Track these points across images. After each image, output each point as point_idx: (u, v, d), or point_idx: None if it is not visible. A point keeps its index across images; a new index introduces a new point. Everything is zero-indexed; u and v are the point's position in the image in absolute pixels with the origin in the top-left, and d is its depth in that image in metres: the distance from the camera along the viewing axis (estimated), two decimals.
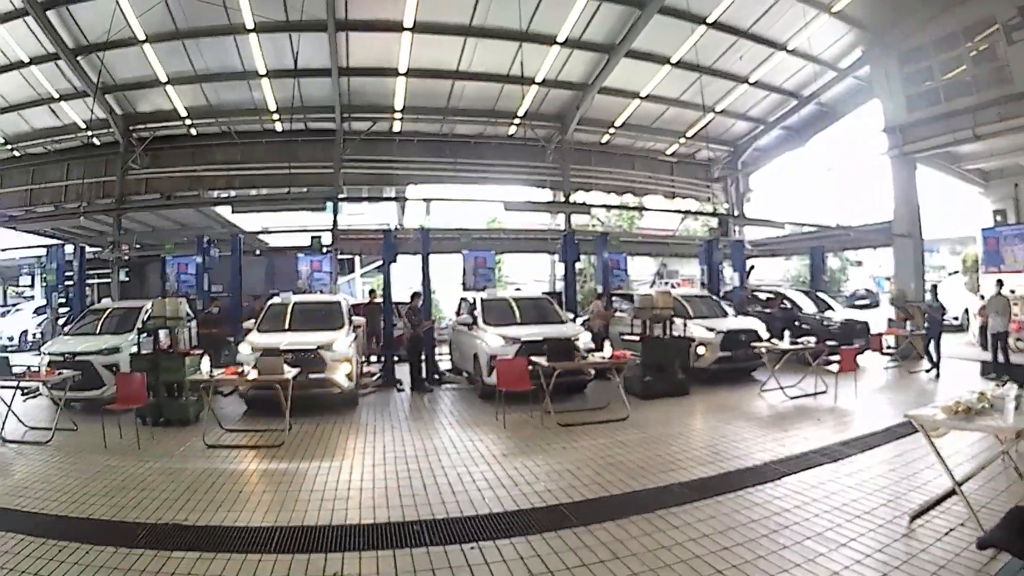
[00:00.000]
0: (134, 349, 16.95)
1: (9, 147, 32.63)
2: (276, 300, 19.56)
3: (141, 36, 25.20)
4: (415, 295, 21.08)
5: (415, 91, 28.69)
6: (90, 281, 27.06)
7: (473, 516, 8.95)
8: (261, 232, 30.92)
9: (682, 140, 34.94)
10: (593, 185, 34.07)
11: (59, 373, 15.14)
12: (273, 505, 9.73)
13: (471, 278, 23.76)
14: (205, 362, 14.47)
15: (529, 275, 44.91)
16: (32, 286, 52.03)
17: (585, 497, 9.46)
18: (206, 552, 7.90)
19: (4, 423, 14.58)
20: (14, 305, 47.27)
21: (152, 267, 32.61)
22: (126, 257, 31.69)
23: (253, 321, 18.76)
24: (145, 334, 16.87)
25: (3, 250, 39.04)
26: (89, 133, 30.90)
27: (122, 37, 24.72)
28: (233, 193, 32.11)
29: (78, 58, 25.85)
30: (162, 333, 16.62)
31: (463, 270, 23.94)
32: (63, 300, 24.24)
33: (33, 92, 28.85)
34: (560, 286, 27.37)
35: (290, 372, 13.82)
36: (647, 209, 39.93)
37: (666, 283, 43.30)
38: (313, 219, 38.94)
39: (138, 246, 31.79)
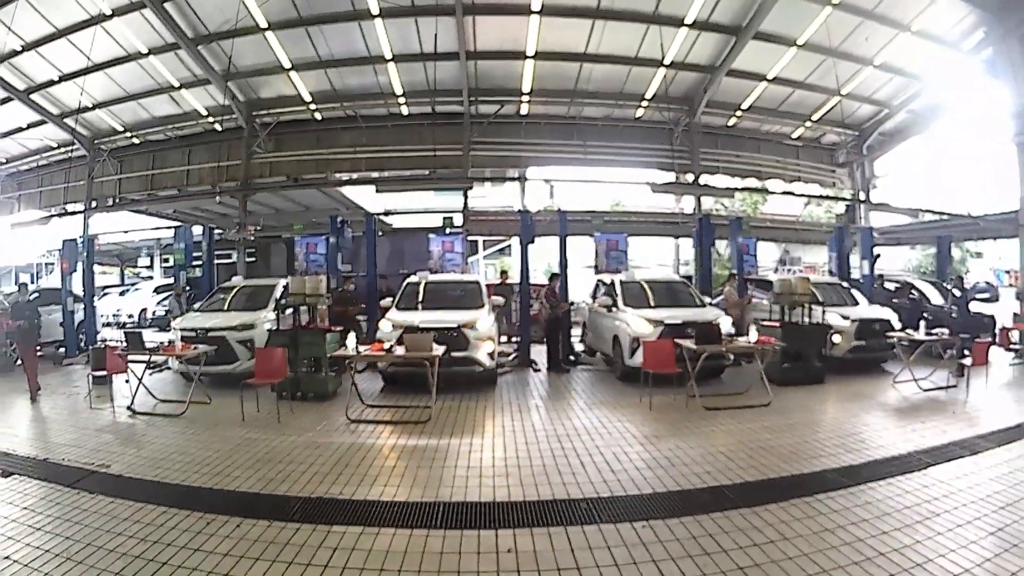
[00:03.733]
0: (268, 325, 17.60)
1: (129, 134, 33.74)
2: (413, 279, 19.67)
3: (263, 24, 25.55)
4: (553, 276, 21.18)
5: (543, 74, 28.72)
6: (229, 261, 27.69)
7: (637, 495, 8.91)
8: (385, 213, 31.27)
9: (807, 124, 34.10)
10: (719, 168, 33.59)
11: (194, 348, 15.42)
12: (431, 481, 9.64)
13: (603, 260, 23.39)
14: (351, 338, 14.33)
15: (651, 258, 44.76)
16: (151, 266, 53.36)
17: (744, 480, 9.43)
18: (369, 527, 7.92)
19: (135, 395, 15.04)
20: (132, 284, 48.05)
21: (276, 247, 33.28)
22: (251, 238, 32.07)
23: (390, 300, 18.89)
24: (280, 310, 17.17)
25: (124, 232, 40.07)
26: (211, 120, 31.81)
27: (244, 26, 25.22)
28: (355, 176, 32.25)
29: (199, 47, 26.47)
30: (300, 309, 16.76)
31: (595, 252, 23.49)
32: (190, 278, 24.55)
33: (152, 81, 29.61)
34: (684, 270, 27.32)
35: (438, 349, 13.82)
36: (784, 193, 37.93)
37: (789, 270, 42.93)
38: (436, 201, 39.42)
39: (259, 227, 32.32)
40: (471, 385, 16.65)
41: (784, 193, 38.22)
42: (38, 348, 17.87)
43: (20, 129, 34.62)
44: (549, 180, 32.40)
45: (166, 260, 49.86)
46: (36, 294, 25.63)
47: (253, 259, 34.09)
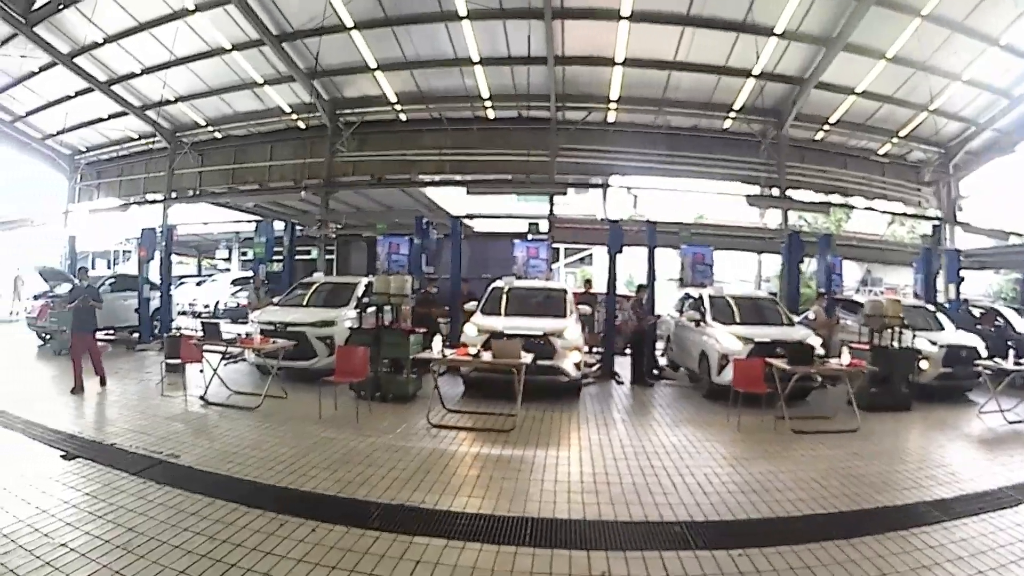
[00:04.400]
0: (348, 324, 17.36)
1: (211, 128, 33.88)
2: (498, 284, 19.21)
3: (349, 23, 25.29)
4: (640, 288, 20.53)
5: (631, 81, 28.04)
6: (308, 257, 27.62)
7: (732, 521, 8.44)
8: (467, 217, 30.89)
9: (894, 140, 32.81)
10: (804, 183, 32.55)
11: (273, 342, 15.36)
12: (517, 494, 9.14)
13: (689, 273, 22.70)
14: (438, 341, 13.85)
15: (732, 273, 44.03)
16: (229, 259, 53.89)
17: (838, 509, 8.93)
18: (453, 540, 7.44)
19: (208, 386, 14.92)
20: (209, 275, 48.71)
21: (356, 246, 33.47)
22: (333, 235, 32.03)
23: (475, 303, 18.61)
24: (362, 309, 16.97)
25: (204, 223, 40.35)
26: (294, 117, 31.64)
27: (329, 24, 24.97)
28: (438, 178, 32.05)
29: (283, 45, 26.34)
30: (383, 309, 16.31)
31: (680, 265, 22.83)
32: (269, 272, 24.36)
33: (236, 77, 29.61)
34: (765, 287, 26.64)
35: (526, 357, 13.34)
36: (872, 210, 36.99)
37: (870, 291, 42.04)
38: (517, 206, 38.99)
39: (340, 225, 31.97)
40: (555, 395, 15.96)
41: (872, 210, 37.06)
42: (97, 337, 17.22)
43: (100, 119, 34.99)
44: (631, 189, 31.43)
45: (244, 253, 50.39)
46: (112, 279, 26.13)
47: (333, 256, 34.02)
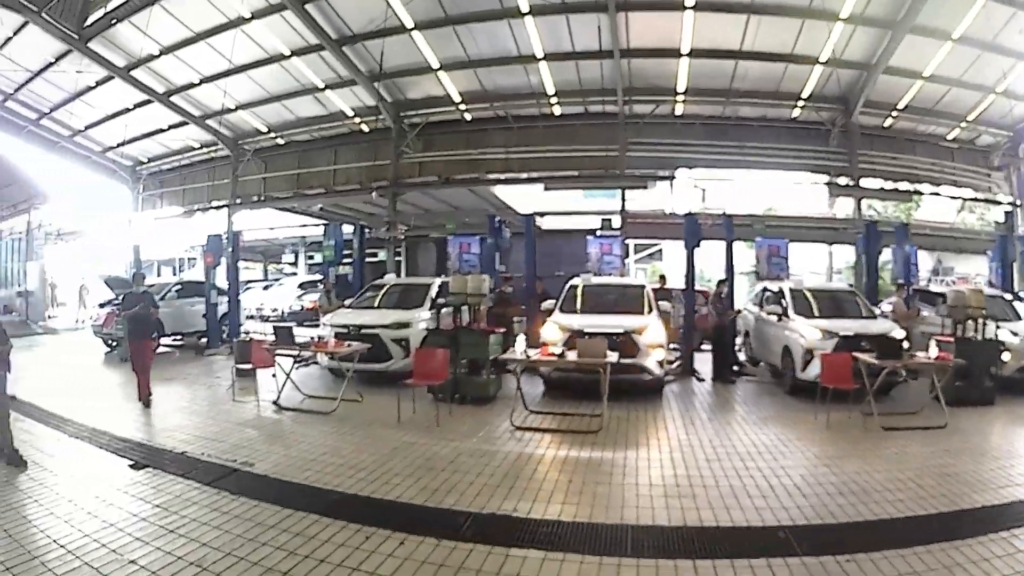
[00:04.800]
0: (423, 325, 17.05)
1: (273, 135, 33.62)
2: (575, 281, 18.75)
3: (409, 24, 24.77)
4: (720, 282, 20.11)
5: (697, 72, 27.05)
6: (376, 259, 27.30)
7: (834, 524, 7.91)
8: (537, 215, 30.25)
9: (962, 124, 31.33)
10: (875, 172, 31.08)
11: (348, 345, 14.97)
12: (612, 499, 8.59)
13: (764, 266, 22.21)
14: (520, 340, 13.38)
15: (801, 266, 43.09)
16: (295, 263, 53.59)
17: (938, 510, 8.38)
18: (552, 552, 6.93)
19: (281, 390, 14.42)
20: (276, 280, 48.71)
21: (424, 247, 33.84)
22: (401, 237, 31.93)
23: (552, 302, 18.17)
24: (437, 310, 16.59)
25: (270, 228, 40.33)
26: (357, 120, 31.27)
27: (390, 26, 24.57)
28: (504, 176, 31.34)
29: (343, 48, 25.90)
30: (461, 309, 15.74)
31: (756, 258, 22.47)
32: (338, 275, 24.47)
33: (296, 83, 29.22)
34: (836, 278, 25.80)
35: (612, 355, 12.83)
36: (945, 196, 36.18)
37: (942, 280, 41.05)
38: (583, 203, 38.53)
39: (409, 227, 32.01)
40: (637, 394, 15.32)
41: (939, 196, 36.08)
42: (152, 346, 16.54)
43: (161, 130, 34.96)
44: (698, 182, 30.81)
45: (310, 257, 50.44)
46: (179, 285, 26.05)
47: (400, 258, 33.55)
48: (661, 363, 15.77)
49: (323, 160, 33.47)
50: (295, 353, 15.12)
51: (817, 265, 41.28)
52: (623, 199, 30.92)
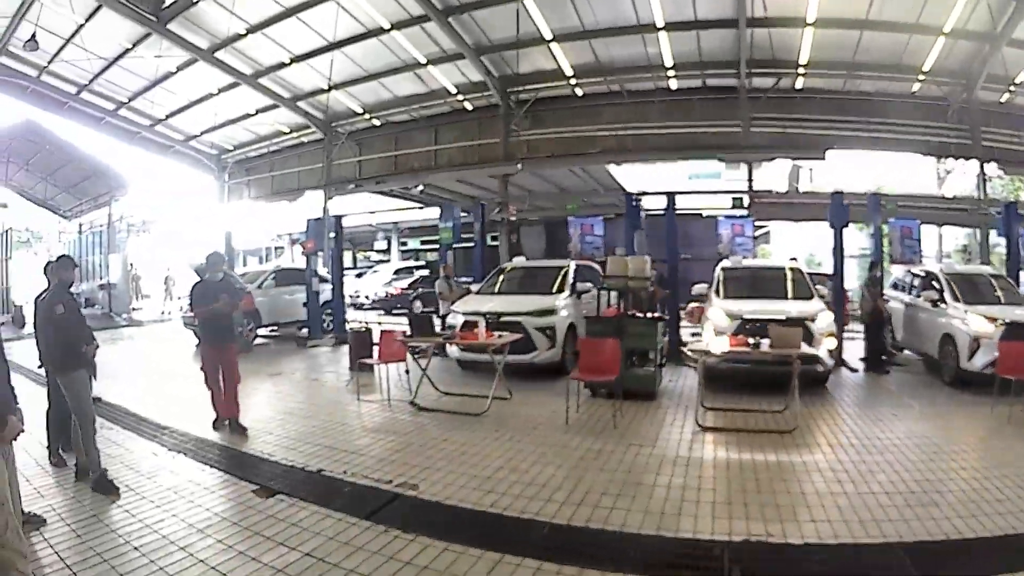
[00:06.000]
0: (565, 312, 15.35)
1: (368, 116, 31.58)
2: (727, 263, 16.96)
3: None
4: (873, 265, 18.15)
5: (820, 43, 24.10)
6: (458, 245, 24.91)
7: None
8: (642, 194, 27.69)
9: None
10: (998, 149, 27.76)
11: (499, 336, 12.78)
12: (861, 512, 6.91)
13: (897, 249, 20.40)
14: (709, 329, 12.27)
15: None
16: (387, 250, 52.29)
17: None
18: None
19: (418, 388, 12.45)
20: (369, 267, 47.48)
21: (532, 229, 31.99)
22: (513, 218, 29.49)
23: (702, 286, 16.23)
24: (575, 295, 15.79)
25: (371, 212, 38.79)
26: (460, 98, 29.25)
27: None
28: (629, 153, 28.90)
29: (449, 19, 23.47)
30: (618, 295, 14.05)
31: (888, 240, 20.60)
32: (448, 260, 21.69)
33: (396, 59, 26.92)
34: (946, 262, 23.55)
35: (805, 346, 11.41)
36: None
37: None
38: (689, 183, 36.59)
39: (523, 208, 30.54)
40: (802, 387, 12.39)
41: None
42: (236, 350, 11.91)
43: (248, 115, 33.04)
44: (800, 160, 28.71)
45: (403, 243, 50.15)
46: (274, 273, 24.34)
47: (514, 241, 31.28)
48: (831, 352, 14.40)
49: (422, 140, 31.47)
50: (432, 345, 13.65)
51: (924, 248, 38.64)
52: (750, 178, 28.89)
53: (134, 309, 36.30)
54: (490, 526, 6.58)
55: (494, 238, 31.05)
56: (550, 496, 7.30)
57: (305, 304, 22.55)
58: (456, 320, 15.27)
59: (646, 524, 6.58)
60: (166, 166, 39.36)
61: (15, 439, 5.18)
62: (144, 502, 7.17)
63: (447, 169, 30.83)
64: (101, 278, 36.61)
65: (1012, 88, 26.21)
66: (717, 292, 15.61)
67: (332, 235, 22.79)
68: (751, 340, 11.36)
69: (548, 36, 24.28)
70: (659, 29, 23.39)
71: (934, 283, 16.59)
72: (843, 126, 26.82)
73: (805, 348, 12.37)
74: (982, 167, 27.43)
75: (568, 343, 14.93)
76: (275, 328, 23.87)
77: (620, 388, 11.72)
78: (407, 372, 13.10)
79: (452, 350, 15.58)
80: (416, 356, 13.94)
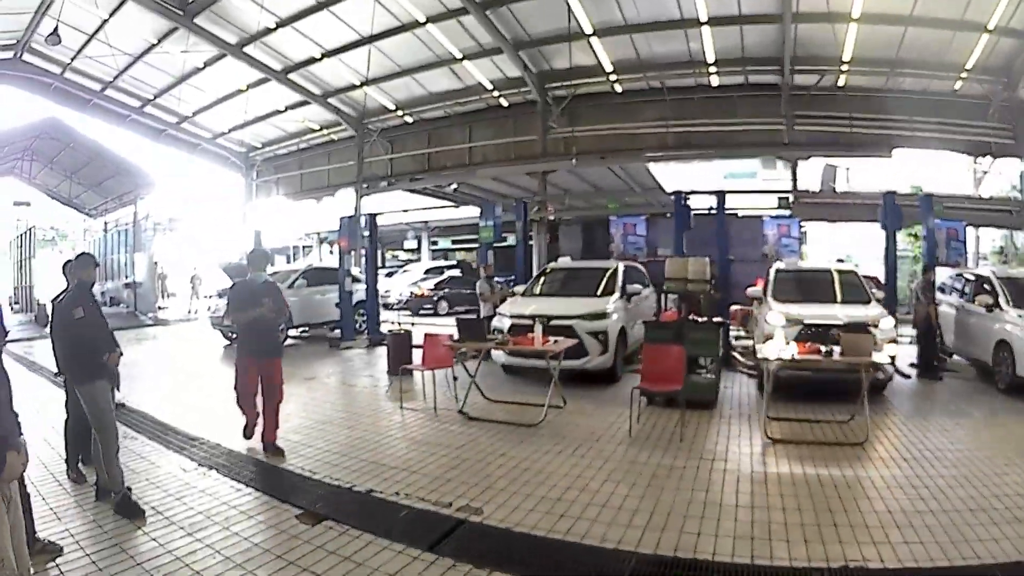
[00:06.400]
0: (616, 315, 14.55)
1: (400, 113, 30.79)
2: (780, 265, 16.38)
3: None
4: (927, 268, 17.48)
5: (864, 39, 23.83)
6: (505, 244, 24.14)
7: None
8: (691, 192, 26.78)
9: None
10: None
11: (554, 340, 11.86)
12: (966, 533, 6.34)
13: (943, 251, 19.52)
14: (780, 335, 10.95)
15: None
16: (418, 249, 52.41)
17: None
18: None
19: (466, 395, 11.45)
20: (400, 267, 46.76)
21: (568, 229, 30.58)
22: (552, 217, 28.79)
23: (757, 288, 15.73)
24: (625, 297, 15.22)
25: (404, 211, 38.04)
26: (496, 94, 28.40)
27: None
28: (671, 152, 28.00)
29: (487, 13, 22.71)
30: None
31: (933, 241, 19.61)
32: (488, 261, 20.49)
33: (430, 54, 26.20)
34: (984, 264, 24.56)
35: (879, 354, 10.71)
36: None
37: None
38: (724, 183, 35.80)
39: (562, 207, 30.29)
40: (856, 394, 11.54)
41: None
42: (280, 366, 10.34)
43: (277, 112, 32.39)
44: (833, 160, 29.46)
45: (434, 243, 50.24)
46: (305, 272, 23.77)
47: (553, 240, 30.90)
48: (893, 359, 13.73)
49: (455, 138, 30.78)
50: (482, 350, 12.65)
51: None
52: (794, 177, 28.63)
53: (160, 308, 35.84)
54: (570, 557, 5.85)
55: (555, 237, 30.54)
56: (629, 520, 6.57)
57: (338, 304, 21.82)
58: (503, 323, 14.53)
59: (738, 551, 5.97)
60: (193, 164, 38.94)
61: (18, 478, 4.35)
62: (172, 528, 6.34)
63: (489, 164, 30.12)
64: (127, 277, 36.11)
65: None
66: (775, 296, 14.90)
67: (367, 234, 22.14)
68: (823, 347, 10.58)
69: (589, 31, 23.56)
70: (702, 24, 22.76)
71: (985, 287, 16.04)
72: (889, 124, 26.24)
73: (887, 352, 12.09)
74: None
75: (619, 348, 14.26)
76: (306, 329, 23.30)
77: (684, 398, 10.76)
78: (455, 379, 12.23)
79: (498, 354, 14.51)
80: (462, 361, 13.26)
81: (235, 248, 37.43)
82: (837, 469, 8.44)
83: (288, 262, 53.00)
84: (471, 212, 24.60)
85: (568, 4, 21.89)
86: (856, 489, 7.67)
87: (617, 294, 15.44)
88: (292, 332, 22.34)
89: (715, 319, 13.57)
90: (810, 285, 15.56)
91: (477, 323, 12.59)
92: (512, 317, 14.53)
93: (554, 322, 13.84)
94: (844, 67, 24.99)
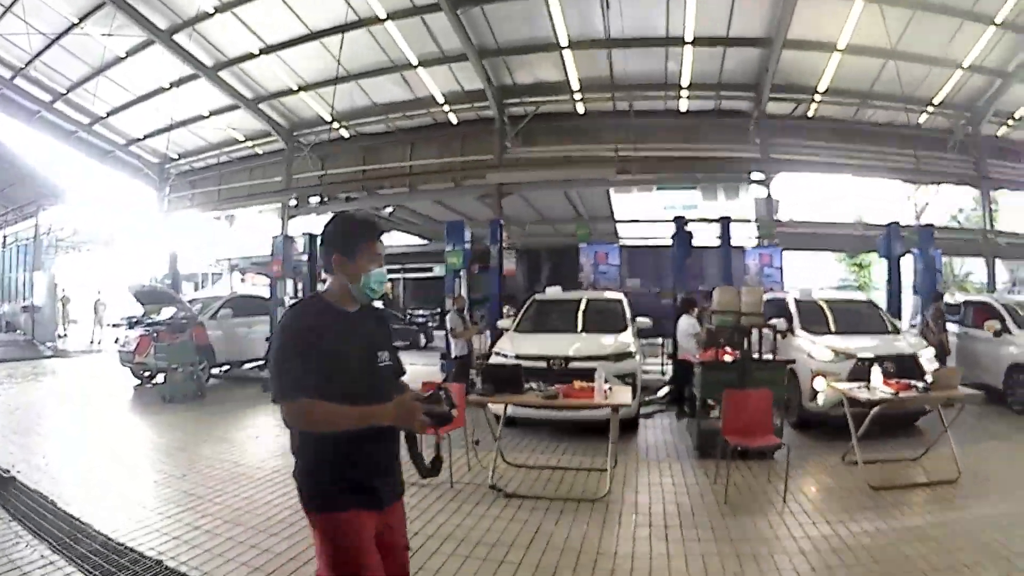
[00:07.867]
0: (638, 356, 13.17)
1: (337, 125, 27.79)
2: (798, 295, 15.50)
3: None
4: (939, 296, 17.83)
5: (844, 71, 23.26)
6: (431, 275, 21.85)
7: None
8: (688, 220, 24.59)
9: None
10: (1004, 180, 28.08)
11: (608, 388, 9.46)
12: None
13: (920, 279, 19.87)
14: (877, 373, 9.72)
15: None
16: None
17: None
18: None
19: (494, 464, 8.81)
20: None
21: (529, 258, 30.05)
22: (506, 246, 24.48)
23: (779, 320, 14.03)
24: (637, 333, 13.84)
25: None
26: (446, 108, 26.27)
27: None
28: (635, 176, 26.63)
29: (458, 11, 20.49)
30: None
31: (914, 270, 20.24)
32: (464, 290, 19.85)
33: (383, 57, 23.57)
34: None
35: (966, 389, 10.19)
36: None
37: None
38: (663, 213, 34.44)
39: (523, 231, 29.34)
40: (896, 427, 12.24)
41: None
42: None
43: (201, 117, 29.46)
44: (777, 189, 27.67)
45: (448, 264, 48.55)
46: (228, 305, 20.61)
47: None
48: None
49: (395, 155, 28.38)
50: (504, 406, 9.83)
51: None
52: (769, 206, 26.69)
53: (60, 336, 32.46)
54: None
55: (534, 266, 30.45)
56: None
57: (268, 339, 18.63)
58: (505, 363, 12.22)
59: None
60: (103, 174, 35.48)
61: None
62: None
63: (433, 184, 28.21)
64: (24, 299, 32.90)
65: (1011, 122, 26.81)
66: (804, 327, 14.16)
67: (305, 257, 19.79)
68: (912, 382, 9.66)
69: (564, 43, 22.04)
70: (686, 43, 22.06)
71: (996, 313, 16.27)
72: (849, 154, 26.14)
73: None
74: (987, 197, 28.14)
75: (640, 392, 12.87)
76: (227, 368, 20.50)
77: (774, 450, 10.02)
78: (477, 443, 9.73)
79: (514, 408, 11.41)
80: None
81: (146, 270, 34.36)
82: (959, 511, 7.70)
83: (196, 290, 49.67)
84: (408, 240, 22.53)
85: (549, 10, 20.32)
86: (992, 532, 6.81)
87: (631, 329, 13.73)
88: (214, 371, 19.42)
89: (782, 359, 12.04)
90: (831, 316, 14.68)
91: (510, 370, 9.82)
92: (520, 358, 12.09)
93: (574, 364, 11.86)
94: (818, 96, 24.75)
